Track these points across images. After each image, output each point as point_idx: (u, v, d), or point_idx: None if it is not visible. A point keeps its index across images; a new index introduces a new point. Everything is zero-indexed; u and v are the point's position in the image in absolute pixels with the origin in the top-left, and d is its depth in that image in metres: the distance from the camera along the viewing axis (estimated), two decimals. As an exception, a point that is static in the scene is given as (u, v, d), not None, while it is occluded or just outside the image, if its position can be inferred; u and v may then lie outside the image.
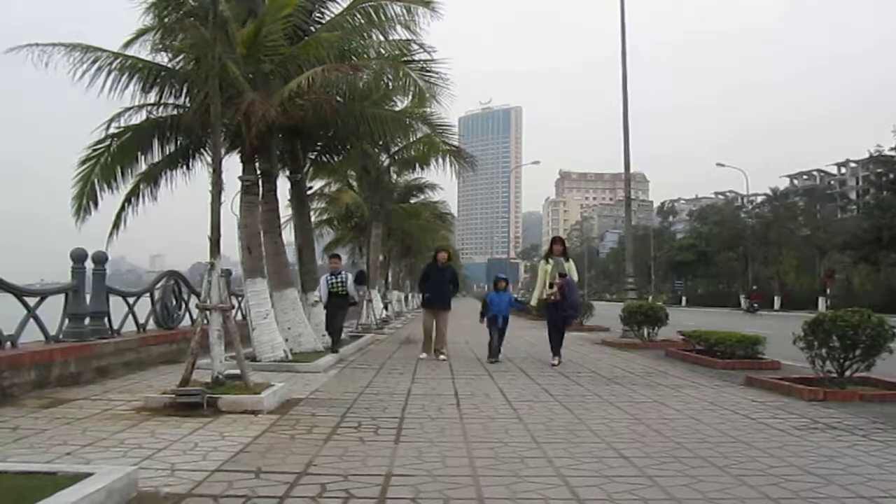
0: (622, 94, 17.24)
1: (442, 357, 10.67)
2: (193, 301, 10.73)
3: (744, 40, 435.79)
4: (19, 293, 7.10)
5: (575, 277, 10.40)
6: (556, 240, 10.80)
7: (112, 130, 10.41)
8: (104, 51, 9.64)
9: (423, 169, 19.18)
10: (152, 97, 10.25)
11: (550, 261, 10.39)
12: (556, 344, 10.29)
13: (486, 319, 10.90)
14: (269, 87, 9.86)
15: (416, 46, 11.48)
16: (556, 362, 10.03)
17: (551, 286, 10.17)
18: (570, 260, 10.61)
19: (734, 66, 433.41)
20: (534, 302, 10.65)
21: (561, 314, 10.18)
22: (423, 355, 10.87)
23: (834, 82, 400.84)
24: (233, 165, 10.53)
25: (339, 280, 11.55)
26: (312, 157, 13.42)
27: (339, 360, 10.34)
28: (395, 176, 22.09)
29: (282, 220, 12.01)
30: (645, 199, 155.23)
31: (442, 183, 27.68)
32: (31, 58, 8.91)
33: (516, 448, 4.61)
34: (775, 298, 40.52)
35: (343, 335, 12.18)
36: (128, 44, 10.21)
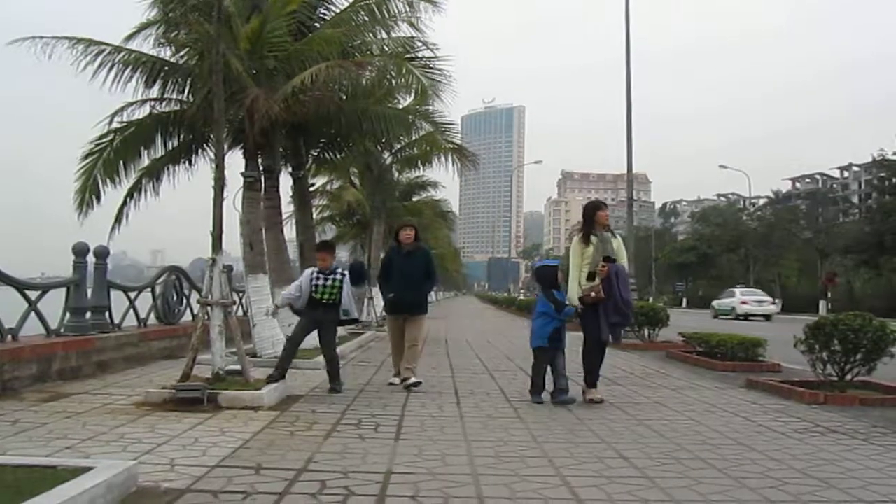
0: (626, 94, 17.26)
1: (412, 380, 7.17)
2: (194, 296, 10.75)
3: (749, 44, 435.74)
4: (21, 287, 7.11)
5: (625, 263, 6.69)
6: (599, 205, 6.78)
7: (115, 125, 10.43)
8: (107, 45, 9.64)
9: (425, 167, 19.23)
10: (155, 92, 10.26)
11: (594, 238, 6.57)
12: (592, 366, 6.74)
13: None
14: (273, 83, 9.85)
15: (419, 44, 11.52)
16: (596, 398, 6.59)
17: (591, 276, 6.40)
18: (618, 236, 6.94)
19: (738, 70, 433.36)
20: (575, 300, 6.49)
21: (606, 321, 6.46)
22: (395, 380, 7.50)
23: (838, 87, 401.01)
24: (235, 161, 10.54)
25: (331, 282, 6.99)
26: (315, 153, 13.42)
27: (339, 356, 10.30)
28: (397, 174, 22.07)
29: (284, 217, 12.00)
30: (647, 200, 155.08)
31: (444, 181, 27.64)
32: (34, 50, 8.95)
33: (516, 447, 4.61)
34: (776, 301, 40.53)
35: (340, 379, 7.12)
36: (129, 37, 10.22)
